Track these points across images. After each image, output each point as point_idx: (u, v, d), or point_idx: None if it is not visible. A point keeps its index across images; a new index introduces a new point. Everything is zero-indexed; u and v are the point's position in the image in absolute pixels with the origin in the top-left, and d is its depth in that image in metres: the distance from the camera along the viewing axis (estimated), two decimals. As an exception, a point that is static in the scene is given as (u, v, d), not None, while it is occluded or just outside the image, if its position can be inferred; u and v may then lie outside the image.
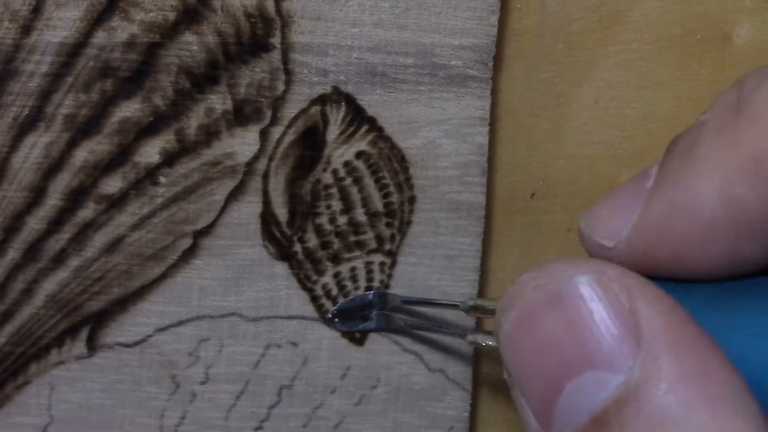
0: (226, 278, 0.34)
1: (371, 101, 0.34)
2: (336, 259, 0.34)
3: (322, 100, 0.34)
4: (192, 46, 0.33)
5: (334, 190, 0.34)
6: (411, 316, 0.35)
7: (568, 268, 0.25)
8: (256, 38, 0.33)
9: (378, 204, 0.34)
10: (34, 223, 0.33)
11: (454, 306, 0.33)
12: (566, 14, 0.35)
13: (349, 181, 0.34)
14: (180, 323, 0.34)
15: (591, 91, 0.35)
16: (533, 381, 0.24)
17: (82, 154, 0.33)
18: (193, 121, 0.34)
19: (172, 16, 0.33)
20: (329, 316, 0.34)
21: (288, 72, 0.34)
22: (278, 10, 0.33)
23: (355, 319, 0.35)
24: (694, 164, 0.25)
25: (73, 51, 0.33)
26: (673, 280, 0.26)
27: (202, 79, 0.33)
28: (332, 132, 0.34)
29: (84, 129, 0.33)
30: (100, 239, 0.34)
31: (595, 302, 0.24)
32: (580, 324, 0.24)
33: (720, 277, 0.26)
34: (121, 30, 0.33)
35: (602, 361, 0.23)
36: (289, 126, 0.34)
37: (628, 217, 0.26)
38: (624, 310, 0.24)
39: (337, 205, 0.34)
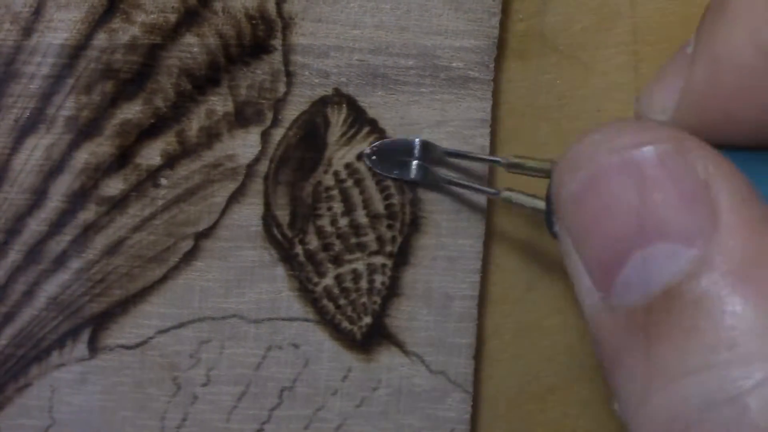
0: (227, 280, 0.34)
1: (372, 103, 0.34)
2: (337, 260, 0.34)
3: (323, 101, 0.34)
4: (193, 47, 0.33)
5: (335, 192, 0.34)
6: (450, 171, 0.34)
7: (645, 134, 0.24)
8: (257, 40, 0.33)
9: (379, 206, 0.34)
10: (35, 225, 0.33)
11: (495, 161, 0.33)
12: (567, 16, 0.35)
13: (350, 182, 0.34)
14: (181, 325, 0.34)
15: (592, 93, 0.35)
16: (597, 243, 0.24)
17: (83, 156, 0.33)
18: (194, 122, 0.34)
19: (173, 17, 0.33)
20: (367, 151, 0.34)
21: (289, 74, 0.34)
22: (279, 12, 0.33)
23: (393, 163, 0.34)
24: (726, 16, 0.25)
25: (74, 53, 0.33)
26: (725, 147, 0.25)
27: (203, 80, 0.33)
28: (333, 134, 0.34)
29: (85, 131, 0.33)
30: (101, 241, 0.34)
31: (674, 173, 0.23)
32: (657, 192, 0.23)
33: None
34: (122, 32, 0.33)
35: (676, 233, 0.23)
36: (290, 128, 0.34)
37: (677, 86, 0.26)
38: (702, 184, 0.23)
39: (338, 206, 0.34)
